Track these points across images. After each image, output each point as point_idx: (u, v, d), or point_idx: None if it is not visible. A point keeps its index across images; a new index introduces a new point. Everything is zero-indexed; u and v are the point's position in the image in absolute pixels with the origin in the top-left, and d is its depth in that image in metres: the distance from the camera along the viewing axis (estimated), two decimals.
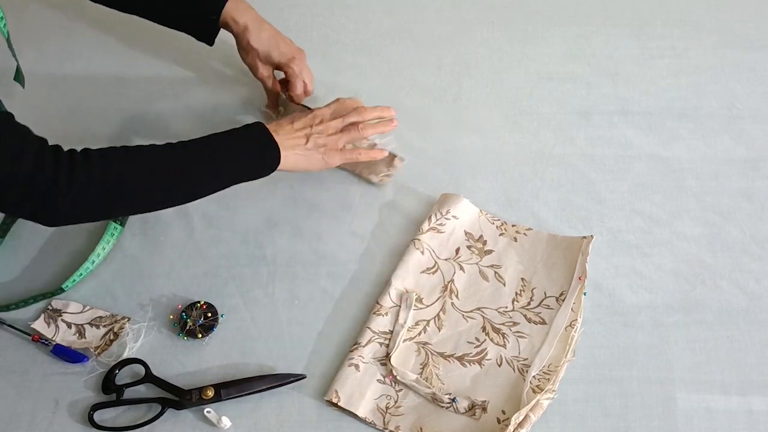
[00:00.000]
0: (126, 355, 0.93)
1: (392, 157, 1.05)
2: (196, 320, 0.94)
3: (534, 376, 0.89)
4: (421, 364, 0.92)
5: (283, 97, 1.10)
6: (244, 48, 1.05)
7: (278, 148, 0.93)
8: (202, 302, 0.96)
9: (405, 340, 0.93)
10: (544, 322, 0.94)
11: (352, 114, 1.00)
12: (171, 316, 0.95)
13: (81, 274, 0.97)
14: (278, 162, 0.94)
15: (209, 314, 0.95)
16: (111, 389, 0.90)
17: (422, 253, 0.98)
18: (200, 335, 0.94)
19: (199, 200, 1.05)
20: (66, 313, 0.96)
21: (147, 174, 0.87)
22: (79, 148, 0.86)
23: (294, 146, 0.95)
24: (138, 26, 1.21)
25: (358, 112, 1.00)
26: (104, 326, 0.95)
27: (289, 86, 1.07)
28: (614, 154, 1.08)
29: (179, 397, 0.89)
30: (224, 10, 1.02)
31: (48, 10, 1.24)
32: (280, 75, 1.09)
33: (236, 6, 1.02)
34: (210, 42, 1.06)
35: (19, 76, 1.07)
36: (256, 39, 1.03)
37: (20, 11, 1.25)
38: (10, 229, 1.02)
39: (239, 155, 0.92)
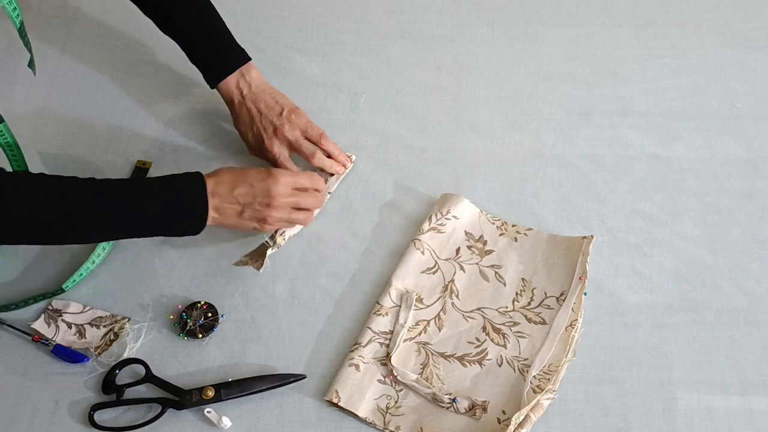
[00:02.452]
0: (126, 355, 0.93)
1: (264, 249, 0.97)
2: (196, 320, 0.94)
3: (534, 376, 0.89)
4: (421, 364, 0.92)
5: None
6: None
7: (206, 213, 0.88)
8: (203, 302, 0.96)
9: (405, 340, 0.93)
10: (544, 322, 0.94)
11: (300, 213, 0.95)
12: (171, 317, 0.95)
13: (81, 274, 0.97)
14: (203, 226, 0.89)
15: (209, 314, 0.95)
16: (111, 389, 0.90)
17: (422, 253, 0.98)
18: (200, 335, 0.94)
19: None
20: (66, 313, 0.96)
21: (58, 210, 0.84)
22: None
23: (225, 211, 0.90)
24: (138, 27, 1.21)
25: (307, 213, 0.96)
26: (104, 326, 0.95)
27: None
28: (614, 154, 1.08)
29: (179, 397, 0.89)
30: (219, 85, 1.03)
31: (48, 10, 1.24)
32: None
33: (247, 69, 1.03)
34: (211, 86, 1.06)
35: (32, 64, 1.07)
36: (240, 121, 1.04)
37: (20, 11, 1.25)
38: None
39: (162, 212, 0.87)
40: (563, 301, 0.95)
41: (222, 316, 0.95)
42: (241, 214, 0.91)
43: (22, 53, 1.20)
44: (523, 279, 0.97)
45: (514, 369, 0.91)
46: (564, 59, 1.18)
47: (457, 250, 1.00)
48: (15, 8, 0.94)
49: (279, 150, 1.02)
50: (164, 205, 0.87)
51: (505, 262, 0.98)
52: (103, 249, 0.98)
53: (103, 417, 0.89)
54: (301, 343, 0.94)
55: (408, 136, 1.10)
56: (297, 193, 0.94)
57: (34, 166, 1.07)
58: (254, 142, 1.03)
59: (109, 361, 0.92)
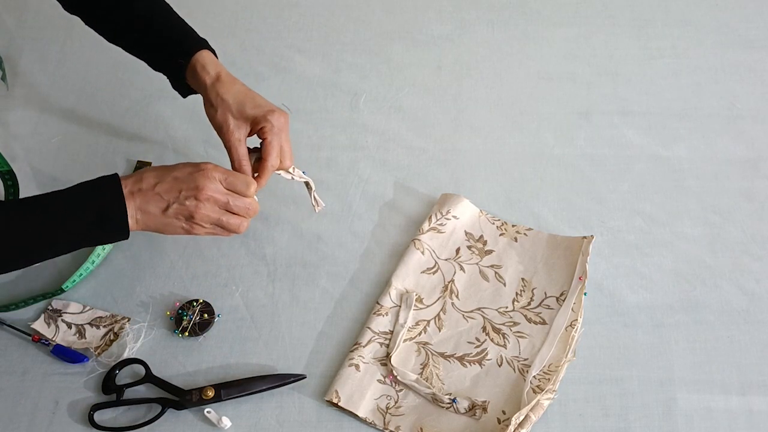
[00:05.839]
0: (126, 355, 0.93)
1: None
2: (192, 318, 0.94)
3: (534, 376, 0.89)
4: (421, 365, 0.92)
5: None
6: (212, 102, 0.90)
7: (125, 217, 0.80)
8: (200, 300, 0.96)
9: (405, 340, 0.93)
10: (544, 322, 0.94)
11: (233, 217, 0.84)
12: (168, 312, 0.95)
13: (81, 274, 0.97)
14: (126, 230, 0.81)
15: (206, 313, 0.95)
16: (111, 389, 0.90)
17: (422, 253, 0.98)
18: (196, 333, 0.94)
19: None
20: (66, 313, 0.96)
21: None
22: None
23: (148, 209, 0.81)
24: None
25: (241, 219, 0.85)
26: (104, 326, 0.95)
27: (262, 151, 0.89)
28: (614, 154, 1.08)
29: (179, 397, 0.89)
30: (196, 56, 0.91)
31: (48, 10, 1.24)
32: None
33: (210, 57, 0.92)
34: (183, 92, 0.97)
35: (5, 78, 1.11)
36: (228, 90, 0.89)
37: (20, 11, 1.25)
38: None
39: (76, 221, 0.80)
40: (563, 301, 0.95)
41: (218, 316, 0.95)
42: (165, 211, 0.82)
43: (22, 52, 1.20)
44: (523, 279, 0.97)
45: (514, 369, 0.91)
46: (564, 59, 1.17)
47: (457, 250, 1.00)
48: None
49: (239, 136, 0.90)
50: (80, 215, 0.80)
51: (505, 262, 0.98)
52: (102, 249, 0.98)
53: (103, 417, 0.89)
54: (301, 343, 0.94)
55: (408, 136, 1.10)
56: (229, 193, 0.84)
57: (34, 167, 1.07)
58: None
59: (109, 361, 0.92)
